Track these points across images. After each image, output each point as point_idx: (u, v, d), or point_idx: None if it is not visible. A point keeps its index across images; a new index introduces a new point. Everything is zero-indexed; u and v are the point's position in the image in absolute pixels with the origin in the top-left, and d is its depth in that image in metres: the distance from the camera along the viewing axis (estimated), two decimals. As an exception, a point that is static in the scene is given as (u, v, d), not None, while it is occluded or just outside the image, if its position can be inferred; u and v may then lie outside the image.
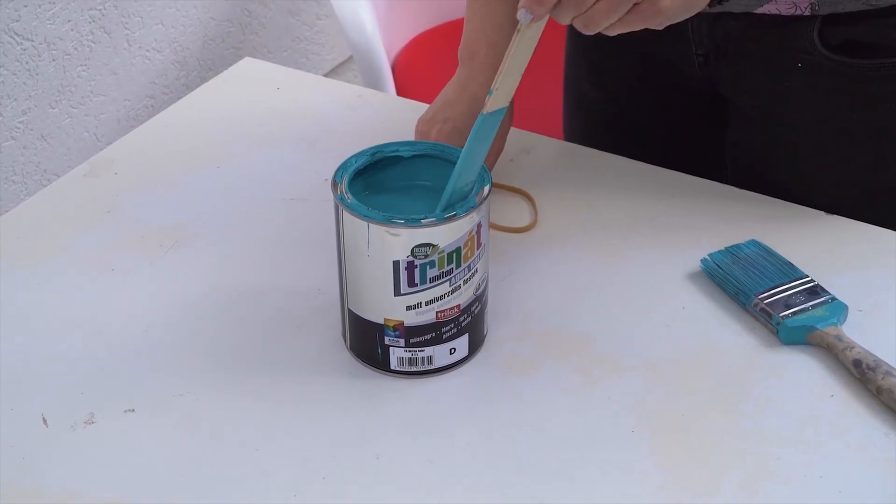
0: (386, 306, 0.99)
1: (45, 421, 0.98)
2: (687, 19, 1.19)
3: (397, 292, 0.98)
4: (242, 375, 1.03)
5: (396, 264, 0.96)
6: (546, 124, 1.50)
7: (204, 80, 2.32)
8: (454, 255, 0.97)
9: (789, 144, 1.21)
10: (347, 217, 0.97)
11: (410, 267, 0.96)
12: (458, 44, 1.23)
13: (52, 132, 2.11)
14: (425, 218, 0.95)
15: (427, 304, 0.98)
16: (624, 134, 1.37)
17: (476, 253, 0.98)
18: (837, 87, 1.08)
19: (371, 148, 1.04)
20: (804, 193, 1.19)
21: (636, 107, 1.34)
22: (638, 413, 0.98)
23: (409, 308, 0.98)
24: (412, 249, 0.95)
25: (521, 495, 0.92)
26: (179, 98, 2.26)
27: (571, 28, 1.37)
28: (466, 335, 1.02)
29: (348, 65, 2.80)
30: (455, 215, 0.95)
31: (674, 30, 1.22)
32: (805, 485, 0.92)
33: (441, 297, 0.98)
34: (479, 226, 0.98)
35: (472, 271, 0.99)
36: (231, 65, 1.47)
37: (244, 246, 1.17)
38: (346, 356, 1.04)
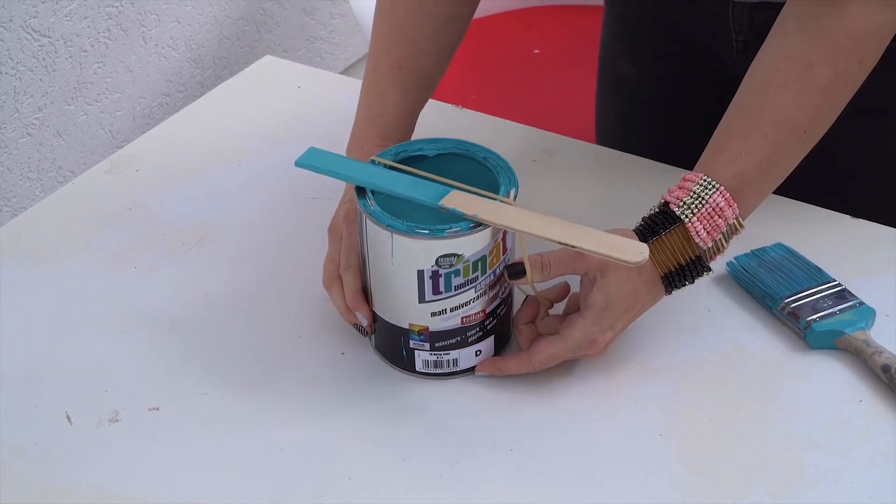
0: (411, 312, 0.98)
1: (69, 419, 0.98)
2: (726, 7, 1.19)
3: (422, 299, 0.97)
4: (267, 374, 1.02)
5: (421, 273, 0.95)
6: (569, 126, 1.49)
7: (219, 78, 2.31)
8: (479, 262, 0.96)
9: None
10: (371, 225, 0.96)
11: (435, 276, 0.95)
12: (477, 42, 1.22)
13: (68, 129, 2.10)
14: (450, 228, 0.94)
15: (452, 310, 0.97)
16: (660, 111, 1.36)
17: (502, 258, 0.98)
18: (876, 69, 1.07)
19: (395, 147, 1.03)
20: (839, 179, 1.18)
21: (672, 85, 1.34)
22: (665, 416, 0.98)
23: (433, 314, 0.97)
24: (437, 259, 0.94)
25: (548, 497, 0.92)
26: (194, 96, 2.26)
27: (609, 10, 1.37)
28: (492, 337, 1.01)
29: (361, 64, 2.80)
30: (481, 225, 0.94)
31: (713, 17, 1.22)
32: (835, 490, 0.92)
33: (466, 304, 0.97)
34: (506, 232, 0.97)
35: (498, 276, 0.98)
36: (245, 63, 1.47)
37: (267, 244, 1.16)
38: (372, 356, 1.03)
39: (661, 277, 0.99)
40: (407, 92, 1.12)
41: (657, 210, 1.00)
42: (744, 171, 0.99)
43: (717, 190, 0.98)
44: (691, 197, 0.98)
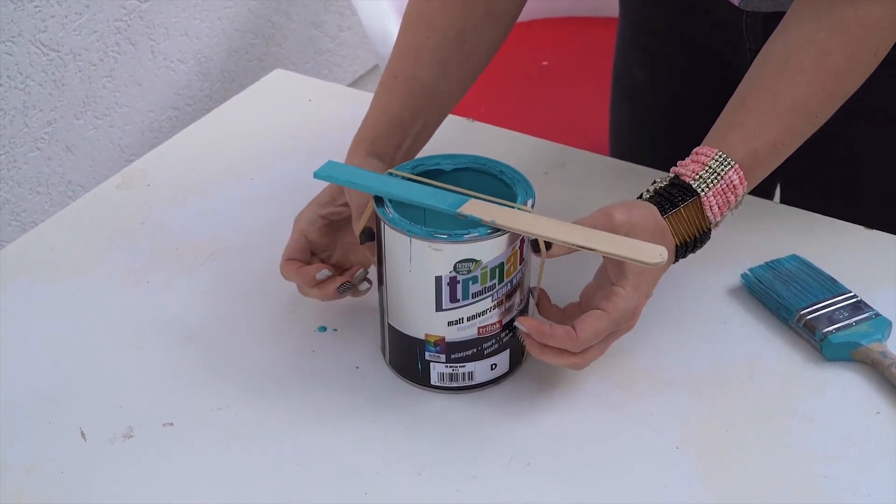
0: (427, 322, 0.98)
1: (83, 435, 0.98)
2: (739, 17, 1.20)
3: (439, 307, 0.97)
4: (281, 389, 1.02)
5: (439, 280, 0.95)
6: (580, 138, 1.49)
7: (227, 91, 2.32)
8: (497, 270, 0.96)
9: (838, 134, 1.20)
10: (389, 232, 0.96)
11: (453, 282, 0.95)
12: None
13: (77, 143, 2.10)
14: (468, 233, 0.94)
15: (469, 319, 0.97)
16: (673, 118, 1.36)
17: (518, 268, 0.98)
18: (890, 75, 1.07)
19: (411, 161, 1.03)
20: (854, 188, 1.17)
21: (685, 92, 1.34)
22: (682, 429, 0.97)
23: (450, 323, 0.97)
24: (455, 265, 0.94)
25: (565, 512, 0.92)
26: (203, 109, 2.26)
27: (623, 18, 1.38)
28: (507, 350, 1.01)
29: (369, 76, 2.80)
30: (499, 231, 0.94)
31: (727, 26, 1.23)
32: (853, 503, 0.91)
33: (483, 313, 0.97)
34: (523, 241, 0.97)
35: (515, 286, 0.98)
36: (254, 76, 1.47)
37: (280, 258, 1.16)
38: (386, 371, 1.03)
39: (677, 246, 0.99)
40: (398, 97, 1.10)
41: (667, 183, 1.00)
42: (757, 149, 1.00)
43: (733, 167, 0.99)
44: (707, 171, 0.99)
